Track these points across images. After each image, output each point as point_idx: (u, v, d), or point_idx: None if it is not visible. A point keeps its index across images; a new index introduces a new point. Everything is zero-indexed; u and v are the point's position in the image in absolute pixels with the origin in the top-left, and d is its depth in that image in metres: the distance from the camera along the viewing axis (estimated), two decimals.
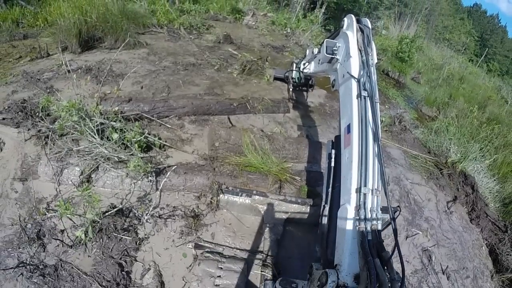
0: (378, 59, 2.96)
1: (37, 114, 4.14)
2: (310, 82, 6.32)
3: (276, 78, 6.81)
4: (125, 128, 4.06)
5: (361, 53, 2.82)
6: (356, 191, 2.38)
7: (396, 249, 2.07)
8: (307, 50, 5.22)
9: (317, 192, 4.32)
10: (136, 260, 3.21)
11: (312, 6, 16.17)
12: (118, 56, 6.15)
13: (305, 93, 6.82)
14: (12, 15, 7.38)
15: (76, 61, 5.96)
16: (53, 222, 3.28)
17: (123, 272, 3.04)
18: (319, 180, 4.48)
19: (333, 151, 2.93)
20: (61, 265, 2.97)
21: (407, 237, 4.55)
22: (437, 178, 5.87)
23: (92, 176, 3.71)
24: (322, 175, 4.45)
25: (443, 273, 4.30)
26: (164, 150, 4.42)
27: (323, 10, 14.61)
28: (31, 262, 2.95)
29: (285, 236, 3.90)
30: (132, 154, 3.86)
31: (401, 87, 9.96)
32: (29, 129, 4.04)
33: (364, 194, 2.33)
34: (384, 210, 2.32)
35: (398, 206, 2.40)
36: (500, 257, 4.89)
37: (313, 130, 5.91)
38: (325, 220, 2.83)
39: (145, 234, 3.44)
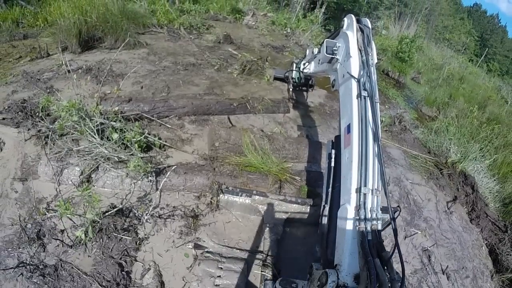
0: (378, 59, 2.96)
1: (37, 114, 4.14)
2: (310, 82, 6.32)
3: (276, 78, 6.81)
4: (125, 128, 4.06)
5: (361, 53, 2.82)
6: (356, 191, 2.38)
7: (396, 249, 2.07)
8: (307, 50, 5.22)
9: (317, 192, 4.32)
10: (136, 260, 3.21)
11: (312, 6, 16.18)
12: (118, 56, 6.15)
13: (305, 93, 6.82)
14: (12, 15, 7.38)
15: (76, 61, 5.96)
16: (53, 222, 3.28)
17: (123, 272, 3.04)
18: (319, 180, 4.48)
19: (333, 151, 2.92)
20: (61, 265, 2.96)
21: (405, 237, 4.55)
22: (437, 178, 5.87)
23: (92, 176, 3.71)
24: (322, 175, 4.45)
25: (443, 273, 4.30)
26: (164, 150, 4.42)
27: (323, 10, 14.61)
28: (31, 262, 2.95)
29: (285, 236, 3.91)
30: (132, 154, 3.86)
31: (401, 87, 9.97)
32: (29, 129, 4.04)
33: (364, 194, 2.32)
34: (384, 210, 2.31)
35: (398, 206, 2.40)
36: (500, 257, 4.89)
37: (313, 130, 5.92)
38: (325, 220, 2.82)
39: (145, 234, 3.44)
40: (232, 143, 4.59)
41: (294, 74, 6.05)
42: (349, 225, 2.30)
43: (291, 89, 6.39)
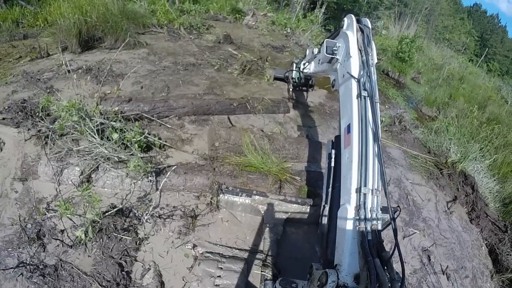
0: (378, 59, 2.96)
1: (37, 114, 4.14)
2: (310, 82, 6.33)
3: (276, 78, 6.82)
4: (125, 128, 4.06)
5: (361, 53, 2.81)
6: (356, 191, 2.38)
7: (396, 249, 2.07)
8: (307, 50, 5.22)
9: (317, 192, 4.32)
10: (136, 260, 3.21)
11: (312, 6, 16.18)
12: (118, 56, 6.16)
13: (305, 93, 6.82)
14: (12, 15, 7.38)
15: (76, 61, 5.96)
16: (53, 222, 3.28)
17: (123, 272, 3.03)
18: (319, 180, 4.48)
19: (333, 151, 2.92)
20: (61, 265, 2.96)
21: (404, 237, 4.55)
22: (437, 178, 5.86)
23: (92, 176, 3.71)
24: (322, 175, 4.45)
25: (443, 273, 4.30)
26: (164, 150, 4.42)
27: (323, 10, 14.61)
28: (31, 262, 2.95)
29: (285, 236, 3.90)
30: (132, 154, 3.86)
31: (401, 87, 9.97)
32: (29, 129, 4.04)
33: (364, 194, 2.32)
34: (384, 210, 2.31)
35: (398, 206, 2.40)
36: (500, 257, 4.88)
37: (313, 130, 5.92)
38: (325, 220, 2.82)
39: (145, 234, 3.44)
40: (232, 143, 4.59)
41: (294, 74, 6.05)
42: (349, 225, 2.30)
43: (291, 89, 6.39)
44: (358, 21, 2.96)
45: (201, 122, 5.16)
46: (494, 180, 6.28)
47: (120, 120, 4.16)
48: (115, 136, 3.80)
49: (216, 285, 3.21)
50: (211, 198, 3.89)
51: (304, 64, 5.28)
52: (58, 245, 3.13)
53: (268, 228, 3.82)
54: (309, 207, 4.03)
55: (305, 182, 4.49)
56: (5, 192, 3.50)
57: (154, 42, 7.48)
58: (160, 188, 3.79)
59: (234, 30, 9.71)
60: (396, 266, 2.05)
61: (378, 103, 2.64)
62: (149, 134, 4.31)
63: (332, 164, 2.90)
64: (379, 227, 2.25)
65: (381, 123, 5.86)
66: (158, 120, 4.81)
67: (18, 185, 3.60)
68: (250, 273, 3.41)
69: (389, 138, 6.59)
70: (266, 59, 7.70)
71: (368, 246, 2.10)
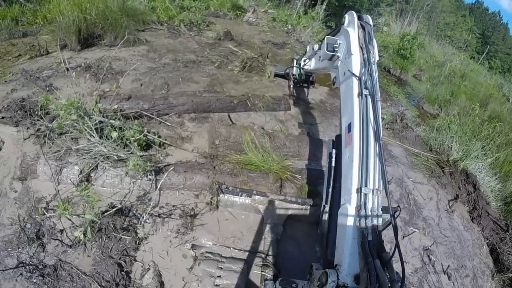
0: (379, 56, 2.92)
1: (36, 112, 4.11)
2: (311, 78, 6.29)
3: (276, 75, 6.77)
4: (124, 127, 4.04)
5: (362, 51, 2.78)
6: (356, 191, 2.36)
7: (396, 249, 2.05)
8: (308, 47, 5.19)
9: (318, 191, 4.29)
10: (136, 260, 3.19)
11: (313, 2, 16.05)
12: (117, 54, 6.12)
13: (306, 89, 6.78)
14: (12, 13, 7.35)
15: (75, 59, 5.93)
16: (52, 221, 3.27)
17: (122, 272, 3.03)
18: (320, 178, 4.44)
19: (334, 151, 2.91)
20: (61, 265, 2.95)
21: (404, 237, 4.52)
22: (439, 177, 5.83)
23: (91, 175, 3.70)
24: (323, 173, 4.41)
25: (444, 273, 4.28)
26: (164, 148, 4.40)
27: (324, 7, 14.50)
28: (30, 262, 2.94)
29: (285, 236, 3.88)
30: (131, 153, 3.83)
31: (403, 84, 9.91)
32: (28, 128, 4.02)
33: (365, 194, 2.30)
34: (384, 210, 2.30)
35: (398, 206, 2.38)
36: (501, 257, 4.84)
37: (314, 127, 5.88)
38: (325, 220, 2.81)
39: (145, 234, 3.43)
40: (232, 141, 4.56)
41: (295, 70, 6.01)
42: (350, 225, 2.29)
43: (292, 86, 6.35)
44: (359, 18, 2.93)
45: (201, 120, 5.13)
46: (496, 178, 6.25)
47: (119, 119, 4.13)
48: (114, 134, 3.78)
49: (216, 285, 3.20)
50: (211, 198, 3.87)
51: (304, 60, 5.25)
52: (57, 245, 3.12)
53: (268, 228, 3.81)
54: (309, 207, 4.01)
55: (306, 180, 4.46)
56: (4, 192, 3.49)
57: (154, 39, 7.44)
58: (159, 187, 3.76)
59: (234, 27, 9.64)
60: (397, 266, 2.03)
61: (380, 102, 2.61)
62: (149, 132, 4.28)
63: (333, 164, 2.88)
64: (380, 228, 2.23)
65: (382, 121, 5.86)
66: (158, 118, 4.78)
67: (18, 184, 3.59)
68: (250, 273, 3.40)
69: (391, 136, 6.55)
70: (267, 56, 7.65)
71: (368, 247, 2.09)
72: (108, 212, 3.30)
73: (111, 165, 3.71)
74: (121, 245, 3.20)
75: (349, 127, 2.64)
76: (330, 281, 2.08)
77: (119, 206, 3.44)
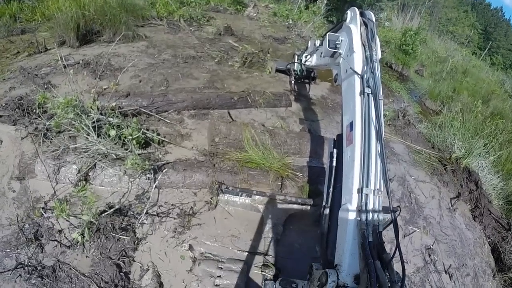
0: (381, 51, 2.86)
1: (34, 111, 4.07)
2: (312, 74, 6.22)
3: (277, 71, 6.71)
4: (122, 125, 3.99)
5: (364, 48, 2.72)
6: (357, 191, 2.32)
7: (397, 250, 2.03)
8: (309, 42, 5.11)
9: (319, 190, 4.25)
10: (134, 261, 3.16)
11: None
12: (116, 50, 6.07)
13: (307, 85, 6.72)
14: (10, 10, 7.31)
15: (74, 56, 5.88)
16: (51, 222, 3.23)
17: (121, 273, 3.00)
18: (321, 175, 4.39)
19: (335, 150, 2.87)
20: (59, 266, 2.92)
21: (404, 236, 4.48)
22: (441, 174, 5.78)
23: (89, 174, 3.66)
24: (324, 171, 4.37)
25: (446, 273, 4.25)
26: (163, 146, 4.36)
27: (325, 1, 14.36)
28: (29, 263, 2.91)
29: (285, 236, 3.85)
30: (130, 151, 3.79)
31: (405, 80, 9.84)
32: (26, 127, 3.98)
33: (366, 195, 2.27)
34: (384, 210, 2.27)
35: (398, 206, 2.34)
36: (502, 256, 4.81)
37: (315, 124, 5.83)
38: (325, 220, 2.78)
39: (143, 234, 3.39)
40: (232, 138, 4.51)
41: (296, 66, 5.94)
42: (350, 226, 2.25)
43: (293, 82, 6.29)
44: (362, 15, 2.86)
45: (201, 117, 5.08)
46: (498, 177, 6.21)
47: (117, 116, 4.09)
48: (112, 132, 3.74)
49: (216, 285, 3.18)
50: (211, 198, 3.83)
51: (306, 56, 5.18)
52: (56, 246, 3.09)
53: (268, 228, 3.78)
54: (309, 207, 3.98)
55: (307, 178, 4.42)
56: (3, 191, 3.46)
57: (153, 35, 7.37)
58: (157, 186, 3.69)
59: (235, 22, 9.56)
60: (398, 266, 2.00)
61: (382, 100, 2.56)
62: (148, 130, 4.24)
63: (334, 164, 2.84)
64: (380, 228, 2.21)
65: (384, 117, 5.80)
66: (157, 115, 4.73)
67: (16, 184, 3.55)
68: (250, 273, 3.37)
69: (393, 132, 6.50)
70: (268, 51, 7.57)
71: (369, 248, 2.06)
72: (107, 213, 3.27)
73: (109, 164, 3.66)
74: (119, 246, 3.17)
75: (351, 126, 2.59)
76: (330, 281, 2.07)
77: (117, 206, 3.40)
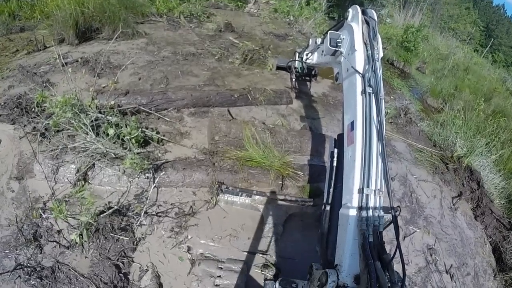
0: (382, 48, 2.82)
1: (33, 110, 4.04)
2: (313, 72, 6.18)
3: (278, 68, 6.66)
4: (121, 123, 3.96)
5: (366, 47, 2.68)
6: (358, 191, 2.31)
7: (397, 250, 2.02)
8: (310, 40, 5.07)
9: (319, 189, 4.23)
10: (134, 261, 3.15)
11: None
12: (116, 47, 6.03)
13: (308, 83, 6.67)
14: (9, 7, 7.26)
15: (73, 53, 5.84)
16: (50, 222, 3.22)
17: (120, 274, 2.99)
18: (322, 174, 4.36)
19: (336, 150, 2.84)
20: (58, 267, 2.92)
21: (405, 237, 4.46)
22: (443, 173, 5.75)
23: (88, 174, 3.63)
24: (325, 169, 4.34)
25: (447, 273, 4.23)
26: (163, 145, 4.33)
27: None
28: (28, 264, 2.91)
29: (285, 236, 3.83)
30: (129, 150, 3.76)
31: (406, 77, 9.77)
32: (25, 126, 3.95)
33: (367, 195, 2.25)
34: (385, 210, 2.26)
35: (398, 206, 2.33)
36: (504, 256, 4.79)
37: (316, 122, 5.79)
38: (326, 220, 2.76)
39: (142, 234, 3.37)
40: (232, 137, 4.48)
41: (297, 63, 5.90)
42: (350, 226, 2.25)
43: (294, 79, 6.24)
44: (364, 13, 2.82)
45: (201, 115, 5.04)
46: (500, 176, 6.19)
47: (116, 115, 4.05)
48: (111, 131, 3.70)
49: (216, 285, 3.17)
50: (211, 198, 3.81)
51: (307, 54, 5.14)
52: (55, 246, 3.08)
53: (268, 228, 3.76)
54: (309, 207, 3.95)
55: (308, 177, 4.38)
56: (1, 191, 3.45)
57: (153, 32, 7.32)
58: (155, 185, 3.67)
59: (235, 18, 9.49)
60: (398, 266, 1.99)
61: (383, 100, 2.53)
62: (147, 128, 4.21)
63: (335, 164, 2.82)
64: (381, 229, 2.20)
65: (386, 115, 5.75)
66: (156, 113, 4.70)
67: (15, 184, 3.53)
68: (250, 273, 3.36)
69: (394, 130, 6.46)
70: (269, 48, 7.50)
71: (369, 248, 2.05)
72: (105, 213, 3.25)
73: (108, 163, 3.64)
74: (118, 246, 3.16)
75: (352, 125, 2.56)
76: (330, 281, 2.07)
77: (116, 207, 3.37)
